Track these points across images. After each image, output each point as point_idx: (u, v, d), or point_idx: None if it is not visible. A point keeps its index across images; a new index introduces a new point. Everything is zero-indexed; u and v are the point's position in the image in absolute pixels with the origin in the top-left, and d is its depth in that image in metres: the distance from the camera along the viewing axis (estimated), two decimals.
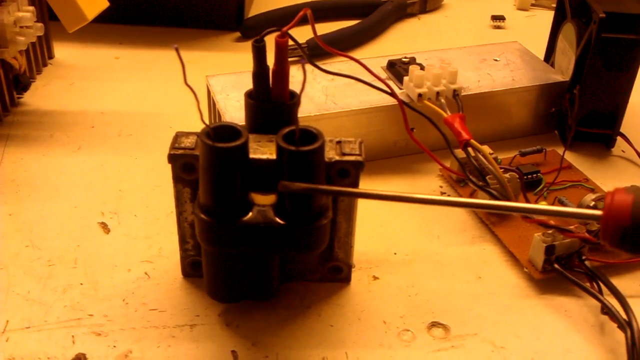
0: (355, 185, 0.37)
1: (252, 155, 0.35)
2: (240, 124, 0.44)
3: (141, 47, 0.67)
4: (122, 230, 0.44)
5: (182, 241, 0.40)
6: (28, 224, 0.44)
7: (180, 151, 0.36)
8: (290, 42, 0.36)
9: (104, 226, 0.45)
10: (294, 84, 0.38)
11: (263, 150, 0.36)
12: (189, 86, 0.29)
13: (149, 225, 0.45)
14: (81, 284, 0.40)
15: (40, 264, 0.41)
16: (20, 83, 0.57)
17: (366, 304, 0.40)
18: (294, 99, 0.38)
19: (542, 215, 0.39)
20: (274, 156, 0.35)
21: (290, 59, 0.37)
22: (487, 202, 0.38)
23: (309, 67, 0.38)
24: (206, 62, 0.64)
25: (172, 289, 0.40)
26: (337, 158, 0.36)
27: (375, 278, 0.41)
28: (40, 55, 0.62)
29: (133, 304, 0.39)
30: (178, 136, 0.37)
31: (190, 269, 0.41)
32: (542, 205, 0.31)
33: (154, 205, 0.46)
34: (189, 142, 0.37)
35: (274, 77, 0.37)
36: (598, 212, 0.26)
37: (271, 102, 0.37)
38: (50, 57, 0.64)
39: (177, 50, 0.26)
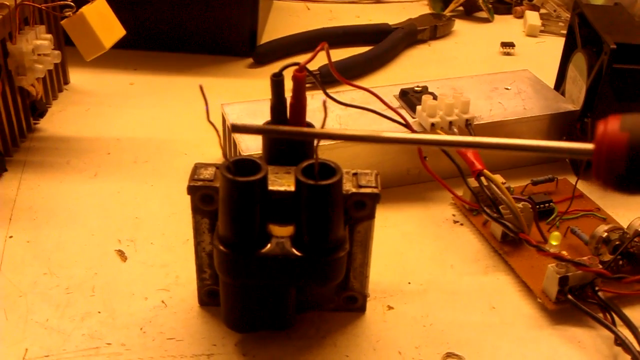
0: (372, 217, 0.38)
1: (270, 187, 0.36)
2: (256, 153, 0.45)
3: (156, 73, 0.67)
4: (139, 258, 0.45)
5: (200, 270, 0.40)
6: (46, 251, 0.45)
7: (200, 183, 0.37)
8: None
9: (121, 254, 0.45)
10: (309, 112, 0.38)
11: (281, 182, 0.36)
12: (211, 123, 0.29)
13: (166, 253, 0.45)
14: (99, 312, 0.41)
15: (58, 292, 0.42)
16: (37, 109, 0.58)
17: (381, 334, 0.40)
18: None
19: (525, 152, 0.34)
20: (291, 188, 0.36)
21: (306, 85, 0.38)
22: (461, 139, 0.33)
23: (322, 95, 0.38)
24: (220, 88, 0.65)
25: (189, 318, 0.41)
26: (354, 190, 0.37)
27: (390, 308, 0.42)
28: (56, 81, 0.62)
29: (150, 333, 0.40)
30: (197, 167, 0.38)
31: (207, 298, 0.41)
32: (524, 141, 0.25)
33: (171, 232, 0.47)
34: (208, 173, 0.37)
35: (291, 110, 0.38)
36: (589, 146, 0.22)
37: None
38: (66, 82, 0.65)
39: (201, 88, 0.27)
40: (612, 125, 0.19)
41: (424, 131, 0.50)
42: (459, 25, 0.82)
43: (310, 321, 0.41)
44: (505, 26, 0.83)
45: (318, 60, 0.38)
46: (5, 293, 0.42)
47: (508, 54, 0.76)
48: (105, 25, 0.53)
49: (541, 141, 0.26)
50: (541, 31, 0.81)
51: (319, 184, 0.33)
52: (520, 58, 0.75)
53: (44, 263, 0.44)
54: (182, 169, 0.38)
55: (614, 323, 0.40)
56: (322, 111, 0.33)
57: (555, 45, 0.75)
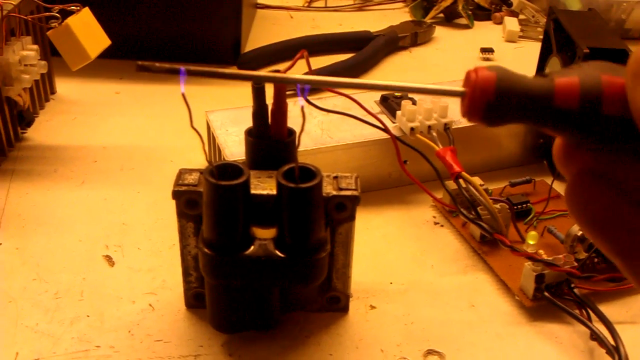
0: (352, 218, 0.39)
1: (253, 191, 0.37)
2: (240, 158, 0.46)
3: (141, 82, 0.68)
4: (127, 262, 0.46)
5: (186, 273, 0.41)
6: (35, 257, 0.46)
7: (184, 188, 0.38)
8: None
9: (109, 259, 0.46)
10: (290, 118, 0.39)
11: (263, 186, 0.37)
12: (195, 130, 0.30)
13: (153, 258, 0.46)
14: (88, 316, 0.42)
15: (47, 297, 0.43)
16: (24, 119, 0.58)
17: (364, 333, 0.41)
18: (291, 137, 0.39)
19: (419, 94, 0.33)
20: (273, 191, 0.37)
21: (286, 92, 0.39)
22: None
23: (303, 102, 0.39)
24: (204, 96, 0.66)
25: (176, 320, 0.42)
26: (335, 193, 0.38)
27: (373, 307, 0.43)
28: (43, 90, 0.63)
29: (138, 335, 0.40)
30: (182, 173, 0.39)
31: (194, 301, 0.42)
32: (406, 83, 0.26)
33: (157, 238, 0.48)
34: (192, 178, 0.38)
35: (272, 116, 0.39)
36: (461, 89, 0.24)
37: (270, 139, 0.39)
38: (53, 92, 0.66)
39: (184, 96, 0.28)
40: (482, 72, 0.23)
41: (404, 135, 0.51)
42: (440, 31, 0.83)
43: (295, 321, 0.42)
44: (485, 32, 0.85)
45: (303, 68, 0.39)
46: None
47: (488, 59, 0.77)
48: (90, 36, 0.54)
49: (420, 84, 0.26)
50: (520, 37, 0.82)
51: (300, 187, 0.34)
52: (499, 63, 0.76)
53: (33, 269, 0.45)
54: (168, 175, 0.39)
55: (589, 319, 0.41)
56: (303, 115, 0.34)
57: (533, 50, 0.76)
